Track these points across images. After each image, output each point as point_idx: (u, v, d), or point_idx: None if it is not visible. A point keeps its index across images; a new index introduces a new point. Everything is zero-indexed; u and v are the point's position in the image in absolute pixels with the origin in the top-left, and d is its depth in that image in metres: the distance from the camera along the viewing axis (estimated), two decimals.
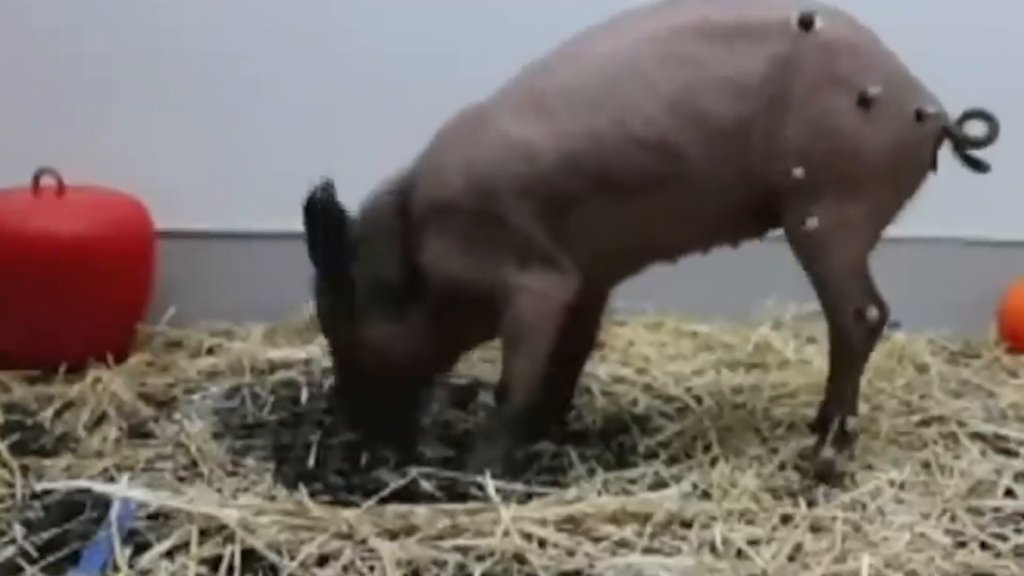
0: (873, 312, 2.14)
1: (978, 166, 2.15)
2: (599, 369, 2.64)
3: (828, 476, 2.14)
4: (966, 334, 2.91)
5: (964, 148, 2.14)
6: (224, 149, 2.84)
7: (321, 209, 2.12)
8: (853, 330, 2.15)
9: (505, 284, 2.11)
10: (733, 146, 2.06)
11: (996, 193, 2.83)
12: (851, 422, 2.18)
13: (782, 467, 2.20)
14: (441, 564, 1.86)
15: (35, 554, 1.89)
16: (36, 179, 2.66)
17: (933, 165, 2.16)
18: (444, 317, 2.17)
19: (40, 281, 2.57)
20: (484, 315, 2.15)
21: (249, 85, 2.84)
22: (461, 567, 1.86)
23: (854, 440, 2.20)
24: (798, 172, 2.06)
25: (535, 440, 2.29)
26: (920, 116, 2.10)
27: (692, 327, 2.89)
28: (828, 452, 2.15)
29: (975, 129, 2.14)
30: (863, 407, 2.43)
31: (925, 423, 2.42)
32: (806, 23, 2.06)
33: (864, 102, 2.06)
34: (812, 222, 2.08)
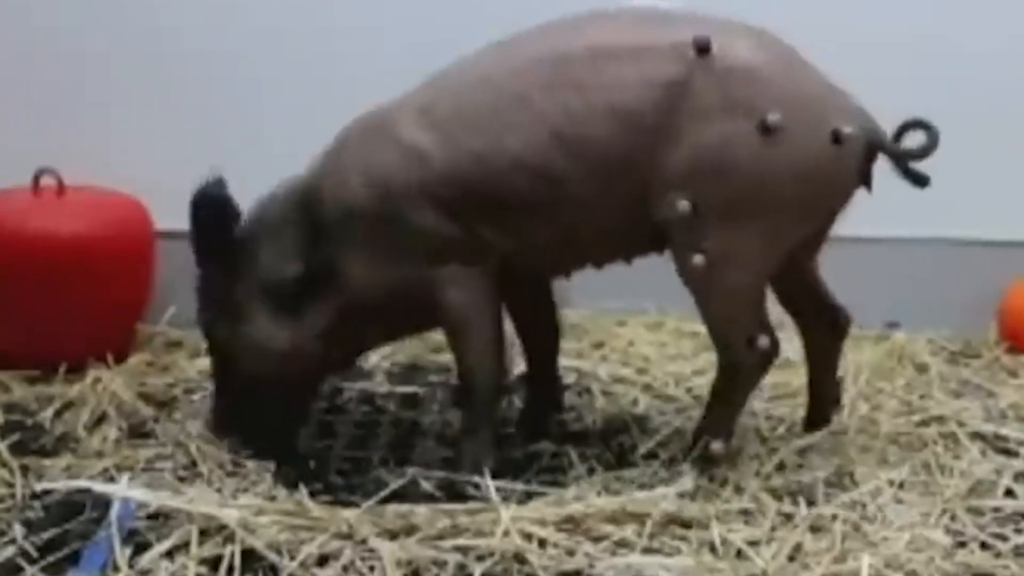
0: (764, 340, 2.08)
1: (917, 180, 2.07)
2: (599, 369, 2.64)
3: (684, 494, 2.07)
4: (966, 334, 2.90)
5: (903, 162, 2.07)
6: (224, 149, 2.83)
7: (211, 204, 2.13)
8: (745, 359, 2.11)
9: (427, 282, 2.10)
10: (618, 175, 2.01)
11: (996, 193, 2.84)
12: (716, 446, 2.12)
13: (782, 467, 2.20)
14: (441, 564, 1.86)
15: (35, 554, 1.89)
16: (36, 179, 2.66)
17: (865, 182, 2.08)
18: (346, 319, 2.15)
19: (40, 281, 2.57)
20: (390, 316, 2.17)
21: (249, 85, 2.84)
22: (461, 567, 1.86)
23: (717, 464, 2.14)
24: (683, 205, 1.98)
25: (535, 440, 2.29)
26: (837, 138, 1.99)
27: (692, 327, 2.88)
28: (688, 472, 2.11)
29: (914, 141, 2.06)
30: (863, 407, 2.44)
31: (925, 423, 2.42)
32: (702, 48, 1.97)
33: (765, 129, 1.96)
34: (698, 259, 2.00)
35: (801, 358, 2.73)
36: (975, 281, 2.87)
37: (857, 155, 2.04)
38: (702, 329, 2.84)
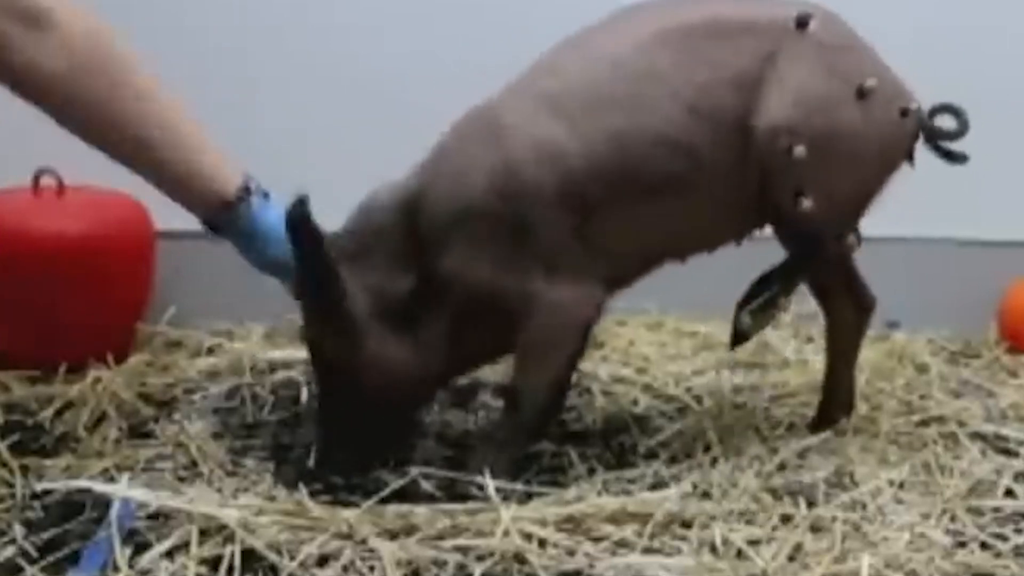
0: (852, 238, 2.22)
1: (955, 157, 2.19)
2: (599, 369, 2.64)
3: (743, 338, 2.21)
4: (966, 334, 2.91)
5: (937, 141, 2.19)
6: (223, 149, 2.84)
7: (302, 225, 2.03)
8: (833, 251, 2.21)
9: (529, 294, 2.07)
10: (739, 136, 2.08)
11: (996, 193, 2.84)
12: (782, 301, 2.21)
13: (782, 467, 2.20)
14: (441, 564, 1.86)
15: (35, 554, 1.89)
16: (36, 179, 2.66)
17: (910, 159, 2.21)
18: (460, 329, 2.12)
19: (40, 281, 2.56)
20: (505, 325, 2.11)
21: (249, 84, 2.84)
22: (461, 567, 1.86)
23: (776, 314, 2.24)
24: (799, 151, 2.07)
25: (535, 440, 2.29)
26: (904, 113, 2.16)
27: (692, 327, 2.89)
28: (745, 317, 2.19)
29: (946, 123, 2.19)
30: (863, 407, 2.44)
31: (925, 423, 2.42)
32: (803, 23, 2.11)
33: (862, 94, 2.10)
34: (807, 203, 2.09)
35: (800, 358, 2.75)
36: (975, 281, 2.87)
37: (913, 130, 2.18)
38: (702, 329, 2.88)
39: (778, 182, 2.11)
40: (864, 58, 2.16)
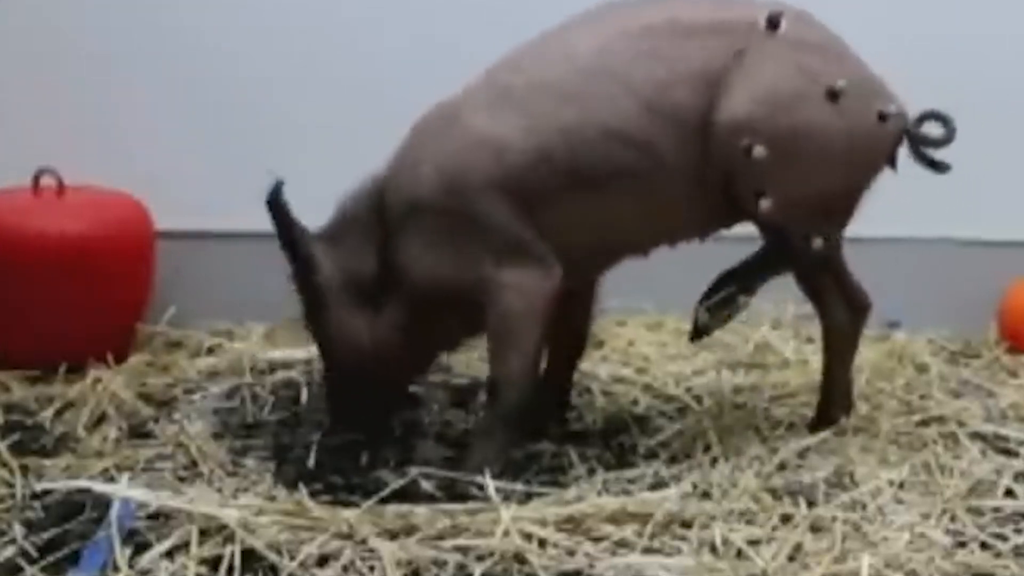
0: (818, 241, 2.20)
1: (937, 166, 2.18)
2: (599, 369, 2.64)
3: (701, 333, 2.26)
4: (966, 334, 2.91)
5: (922, 148, 2.18)
6: (224, 149, 2.84)
7: (275, 209, 2.14)
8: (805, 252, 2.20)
9: (486, 282, 2.11)
10: (701, 134, 2.09)
11: (996, 193, 2.84)
12: (742, 300, 2.24)
13: (782, 467, 2.20)
14: (441, 564, 1.86)
15: (35, 554, 1.89)
16: (36, 179, 2.66)
17: (892, 163, 2.20)
18: (419, 316, 2.17)
19: (40, 281, 2.57)
20: (460, 314, 2.17)
21: (250, 84, 2.84)
22: (461, 567, 1.86)
23: (738, 311, 2.26)
24: (759, 151, 2.08)
25: (535, 440, 2.29)
26: (883, 117, 2.15)
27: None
28: (703, 314, 2.24)
29: (932, 130, 2.18)
30: (863, 407, 2.43)
31: (925, 423, 2.42)
32: (773, 23, 2.12)
33: (832, 95, 2.11)
34: (765, 203, 2.11)
35: (800, 358, 2.74)
36: (975, 281, 2.87)
37: (894, 135, 2.18)
38: None
39: (739, 182, 2.12)
40: (837, 59, 2.15)
